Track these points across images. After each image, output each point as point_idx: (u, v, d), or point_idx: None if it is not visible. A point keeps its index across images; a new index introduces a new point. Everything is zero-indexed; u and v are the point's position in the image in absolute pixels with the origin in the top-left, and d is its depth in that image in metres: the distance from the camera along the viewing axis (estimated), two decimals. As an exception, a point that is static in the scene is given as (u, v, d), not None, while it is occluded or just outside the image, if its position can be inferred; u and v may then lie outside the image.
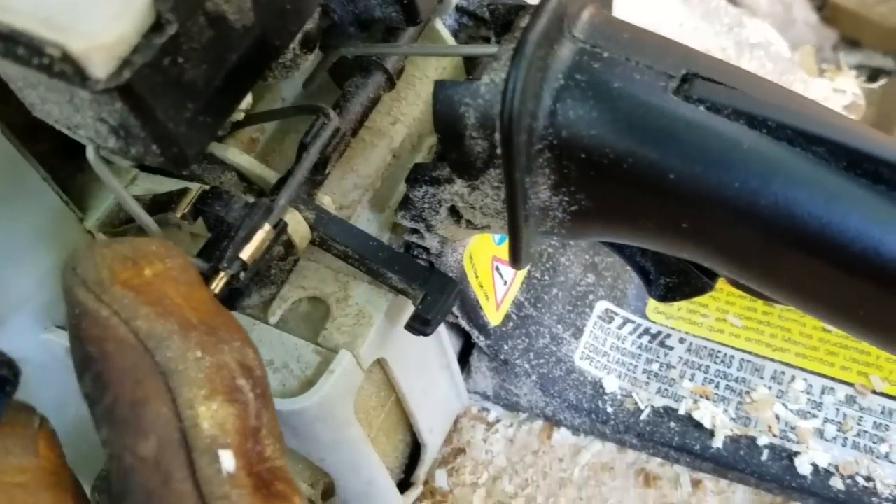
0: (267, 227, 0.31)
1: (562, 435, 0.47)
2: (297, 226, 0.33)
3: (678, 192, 0.27)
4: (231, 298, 0.32)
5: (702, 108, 0.26)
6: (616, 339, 0.47)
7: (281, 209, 0.32)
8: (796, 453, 0.42)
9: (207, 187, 0.33)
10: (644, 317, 0.48)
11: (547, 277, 0.48)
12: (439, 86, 0.29)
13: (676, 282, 0.35)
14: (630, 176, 0.27)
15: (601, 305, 0.48)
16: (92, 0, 0.23)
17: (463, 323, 0.43)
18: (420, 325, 0.34)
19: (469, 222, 0.35)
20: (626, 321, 0.48)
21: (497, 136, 0.28)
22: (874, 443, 0.42)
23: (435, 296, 0.34)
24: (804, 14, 0.74)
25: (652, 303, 0.49)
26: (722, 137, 0.26)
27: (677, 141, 0.26)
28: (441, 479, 0.46)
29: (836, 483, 0.41)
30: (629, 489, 0.45)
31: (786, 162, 0.25)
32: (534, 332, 0.46)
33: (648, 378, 0.46)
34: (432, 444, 0.44)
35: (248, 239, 0.31)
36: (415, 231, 0.37)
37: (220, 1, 0.25)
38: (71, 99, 0.26)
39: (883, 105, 0.59)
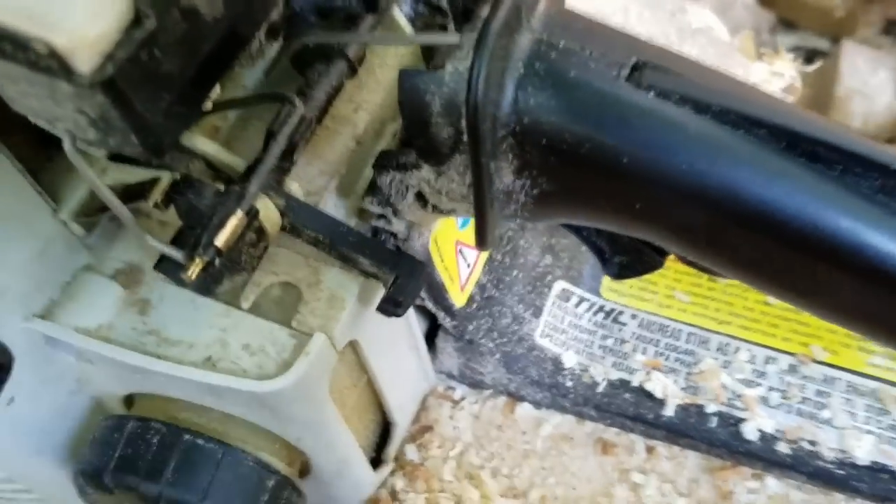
0: (240, 213, 0.32)
1: (524, 409, 0.49)
2: (268, 212, 0.34)
3: (631, 175, 0.28)
4: (205, 285, 0.33)
5: (651, 94, 0.28)
6: (573, 317, 0.49)
7: (252, 196, 0.33)
8: (743, 420, 0.45)
9: (178, 176, 0.34)
10: (598, 295, 0.50)
11: (507, 260, 0.49)
12: (404, 75, 0.31)
13: (629, 260, 0.37)
14: (587, 160, 0.29)
15: (559, 285, 0.50)
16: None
17: (429, 305, 0.44)
18: (392, 307, 0.35)
19: (435, 207, 0.36)
20: (581, 300, 0.50)
21: (463, 122, 0.30)
22: (817, 409, 0.45)
23: (405, 278, 0.35)
24: (742, -4, 0.77)
25: (606, 282, 0.51)
26: (670, 122, 0.28)
27: (629, 126, 0.28)
28: (411, 454, 0.48)
29: (782, 447, 0.43)
30: (588, 457, 0.47)
31: (729, 144, 0.27)
32: (496, 312, 0.48)
33: (604, 353, 0.48)
34: (402, 423, 0.46)
35: (221, 225, 0.32)
36: (382, 216, 0.38)
37: (193, -5, 0.26)
38: (52, 93, 0.26)
39: (818, 86, 0.62)
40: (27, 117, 0.29)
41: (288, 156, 0.36)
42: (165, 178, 0.34)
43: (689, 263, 0.34)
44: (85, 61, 0.23)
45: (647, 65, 0.29)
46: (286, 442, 0.37)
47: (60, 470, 0.39)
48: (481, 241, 0.34)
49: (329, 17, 0.38)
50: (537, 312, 0.49)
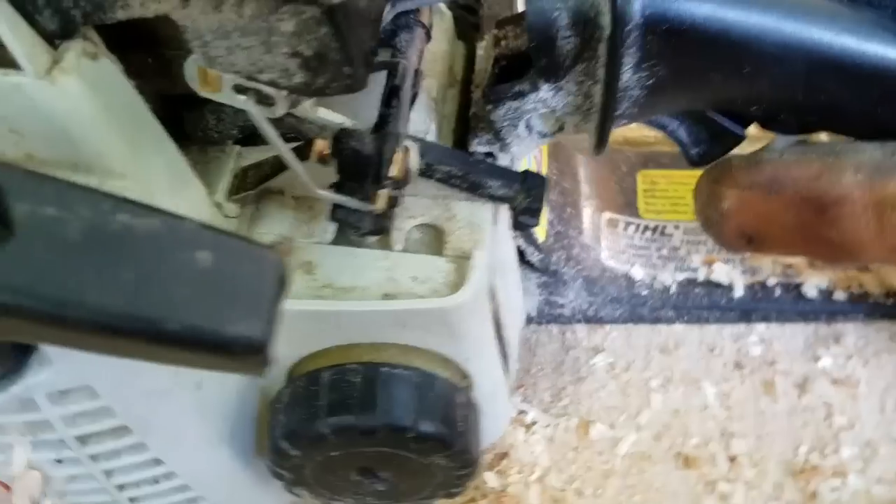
0: (400, 150, 0.36)
1: (598, 430, 0.51)
2: (412, 153, 0.38)
3: (749, 46, 0.34)
4: (379, 224, 0.36)
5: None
6: (627, 239, 0.55)
7: (404, 136, 0.36)
8: (800, 283, 0.51)
9: (335, 132, 0.37)
10: (640, 217, 0.56)
11: (560, 198, 0.54)
12: (531, 2, 0.35)
13: (709, 146, 0.43)
14: (706, 36, 0.34)
15: (605, 215, 0.56)
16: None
17: (520, 241, 0.48)
18: (529, 216, 0.39)
19: (540, 133, 0.41)
20: (628, 223, 0.56)
21: (587, 31, 0.35)
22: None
23: (535, 189, 0.39)
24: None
25: (642, 204, 0.57)
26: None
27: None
28: (492, 481, 0.50)
29: (839, 296, 0.50)
30: (670, 472, 0.49)
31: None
32: (567, 244, 0.52)
33: (664, 262, 0.54)
34: (512, 356, 0.49)
35: (391, 161, 0.35)
36: (489, 154, 0.42)
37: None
38: (267, 39, 0.29)
39: None
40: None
41: (411, 105, 0.40)
42: (318, 140, 0.36)
43: (768, 127, 0.40)
44: (336, -15, 0.27)
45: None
46: (456, 365, 0.40)
47: (239, 462, 0.40)
48: (601, 143, 0.39)
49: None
50: (596, 241, 0.54)
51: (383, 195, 0.34)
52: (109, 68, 0.30)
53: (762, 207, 0.35)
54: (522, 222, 0.39)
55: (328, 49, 0.29)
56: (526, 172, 0.40)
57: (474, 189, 0.40)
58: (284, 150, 0.34)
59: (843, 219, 0.33)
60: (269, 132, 0.33)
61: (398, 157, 0.36)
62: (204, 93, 0.34)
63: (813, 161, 0.34)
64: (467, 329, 0.38)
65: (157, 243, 0.23)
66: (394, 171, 0.35)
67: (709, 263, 0.53)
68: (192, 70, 0.34)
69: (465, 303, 0.36)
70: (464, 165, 0.39)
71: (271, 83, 0.31)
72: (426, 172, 0.40)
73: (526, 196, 0.39)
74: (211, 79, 0.34)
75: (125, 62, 0.32)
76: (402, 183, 0.37)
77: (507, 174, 0.40)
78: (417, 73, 0.40)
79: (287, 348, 0.39)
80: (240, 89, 0.33)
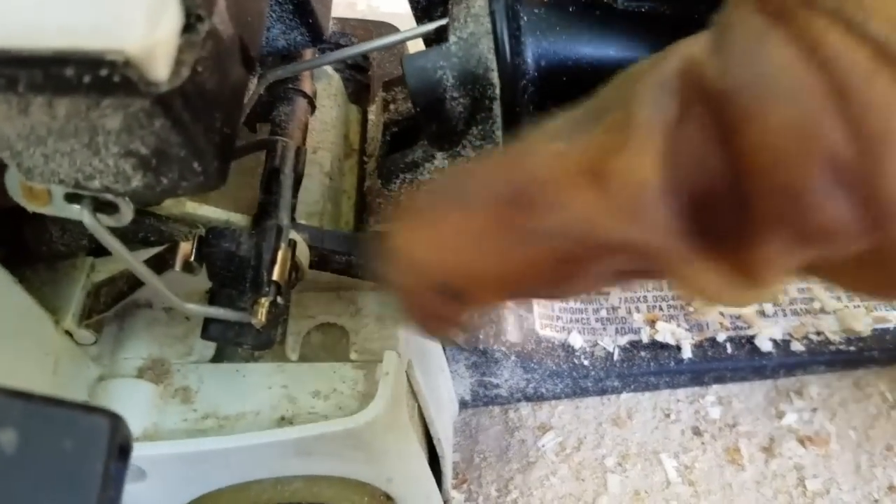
0: (283, 246, 0.30)
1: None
2: (300, 246, 0.32)
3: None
4: (263, 339, 0.30)
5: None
6: (560, 303, 0.50)
7: (288, 228, 0.31)
8: (753, 336, 0.47)
9: (201, 233, 0.31)
10: (573, 278, 0.51)
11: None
12: (408, 59, 0.30)
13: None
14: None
15: (535, 279, 0.51)
16: (118, 7, 0.21)
17: (441, 323, 0.43)
18: None
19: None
20: (560, 286, 0.51)
21: (478, 90, 0.30)
22: (806, 304, 0.48)
23: None
24: None
25: (574, 264, 0.52)
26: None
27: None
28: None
29: (797, 346, 0.46)
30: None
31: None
32: (496, 316, 0.47)
33: (604, 325, 0.49)
34: (447, 455, 0.43)
35: (273, 261, 0.30)
36: (392, 232, 0.37)
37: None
38: (91, 140, 0.24)
39: None
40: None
41: (294, 191, 0.34)
42: (184, 242, 0.31)
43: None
44: (162, 66, 0.21)
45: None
46: (376, 490, 0.34)
47: None
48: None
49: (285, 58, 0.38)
50: (528, 308, 0.49)
51: (264, 304, 0.28)
52: None
53: (458, 234, 0.22)
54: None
55: (168, 145, 0.24)
56: None
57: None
58: (134, 263, 0.28)
59: (560, 207, 0.20)
60: (113, 244, 0.27)
61: (282, 255, 0.30)
62: (32, 207, 0.28)
63: (496, 151, 0.24)
64: (385, 447, 0.32)
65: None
66: (276, 273, 0.29)
67: (651, 322, 0.48)
68: (13, 183, 0.28)
69: (378, 417, 0.31)
70: (351, 249, 0.34)
71: (106, 190, 0.25)
72: (320, 264, 0.34)
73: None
74: (36, 191, 0.28)
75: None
76: (290, 286, 0.32)
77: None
78: (300, 150, 0.35)
79: (176, 490, 0.32)
80: (72, 198, 0.27)
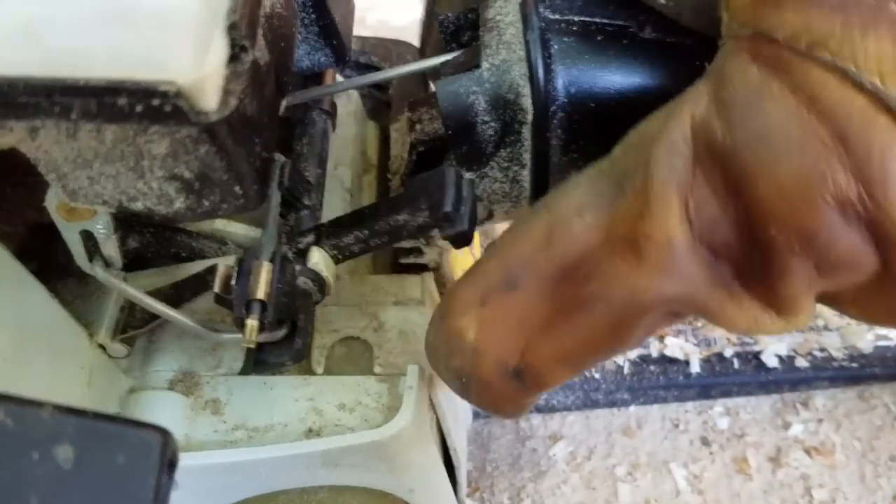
0: (265, 263, 0.30)
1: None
2: (324, 260, 0.33)
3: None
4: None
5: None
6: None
7: (269, 241, 0.31)
8: (759, 351, 0.48)
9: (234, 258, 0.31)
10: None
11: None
12: (441, 85, 0.31)
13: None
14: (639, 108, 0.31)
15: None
16: (167, 39, 0.22)
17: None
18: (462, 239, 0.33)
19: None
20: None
21: (508, 114, 0.31)
22: (812, 321, 0.49)
23: (442, 192, 0.32)
24: None
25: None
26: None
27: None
28: None
29: (802, 363, 0.47)
30: None
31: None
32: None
33: (614, 338, 0.50)
34: (462, 466, 0.44)
35: (256, 280, 0.30)
36: (413, 250, 0.38)
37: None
38: (136, 164, 0.25)
39: None
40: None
41: (297, 203, 0.35)
42: (222, 263, 0.31)
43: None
44: (211, 97, 0.22)
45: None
46: (396, 500, 0.35)
47: None
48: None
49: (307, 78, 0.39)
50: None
51: (251, 325, 0.28)
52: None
53: (511, 317, 0.25)
54: (454, 239, 0.33)
55: (212, 169, 0.25)
56: (425, 177, 0.33)
57: (393, 236, 0.34)
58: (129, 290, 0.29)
59: (601, 276, 0.22)
60: (104, 276, 0.28)
61: (264, 271, 0.30)
62: (72, 226, 0.29)
63: (529, 224, 0.25)
64: (408, 459, 0.33)
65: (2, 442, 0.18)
66: (259, 291, 0.29)
67: (660, 337, 0.49)
68: (53, 204, 0.29)
69: (403, 430, 0.31)
70: (366, 222, 0.33)
71: (148, 211, 0.26)
72: (343, 256, 0.34)
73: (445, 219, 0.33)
74: (79, 211, 0.29)
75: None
76: (316, 302, 0.32)
77: (407, 200, 0.33)
78: (285, 164, 0.34)
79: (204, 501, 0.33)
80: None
